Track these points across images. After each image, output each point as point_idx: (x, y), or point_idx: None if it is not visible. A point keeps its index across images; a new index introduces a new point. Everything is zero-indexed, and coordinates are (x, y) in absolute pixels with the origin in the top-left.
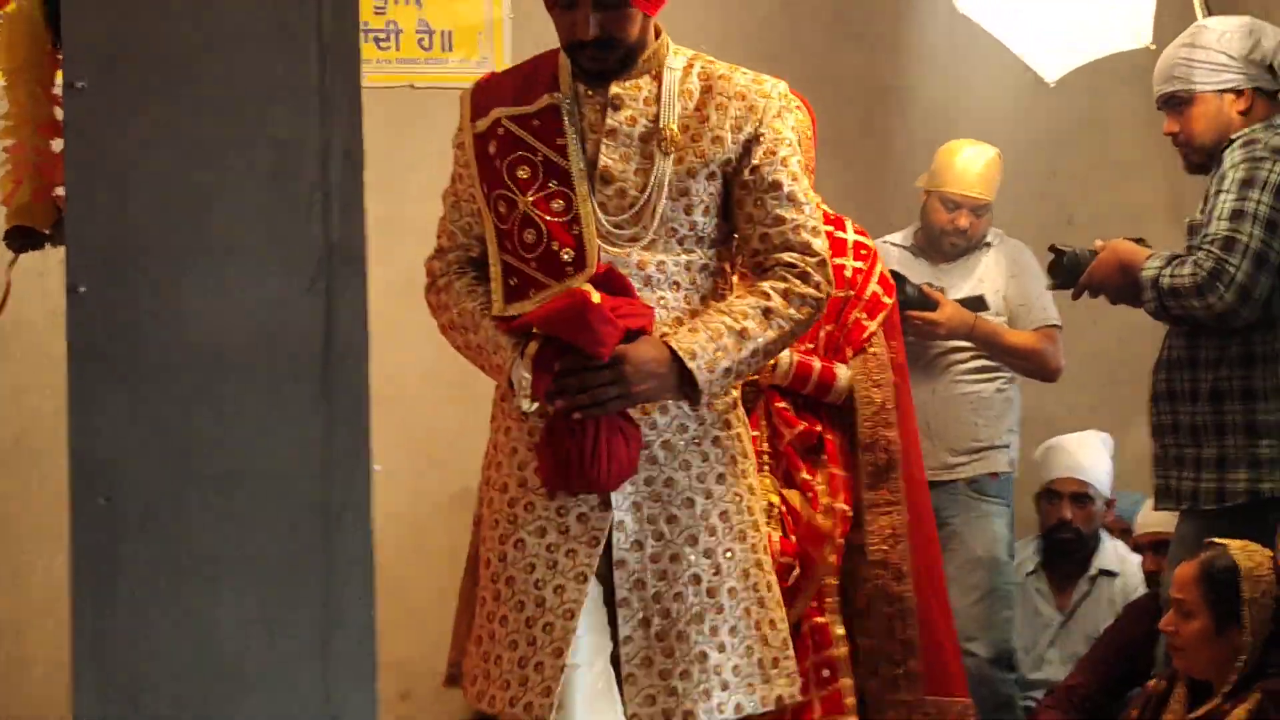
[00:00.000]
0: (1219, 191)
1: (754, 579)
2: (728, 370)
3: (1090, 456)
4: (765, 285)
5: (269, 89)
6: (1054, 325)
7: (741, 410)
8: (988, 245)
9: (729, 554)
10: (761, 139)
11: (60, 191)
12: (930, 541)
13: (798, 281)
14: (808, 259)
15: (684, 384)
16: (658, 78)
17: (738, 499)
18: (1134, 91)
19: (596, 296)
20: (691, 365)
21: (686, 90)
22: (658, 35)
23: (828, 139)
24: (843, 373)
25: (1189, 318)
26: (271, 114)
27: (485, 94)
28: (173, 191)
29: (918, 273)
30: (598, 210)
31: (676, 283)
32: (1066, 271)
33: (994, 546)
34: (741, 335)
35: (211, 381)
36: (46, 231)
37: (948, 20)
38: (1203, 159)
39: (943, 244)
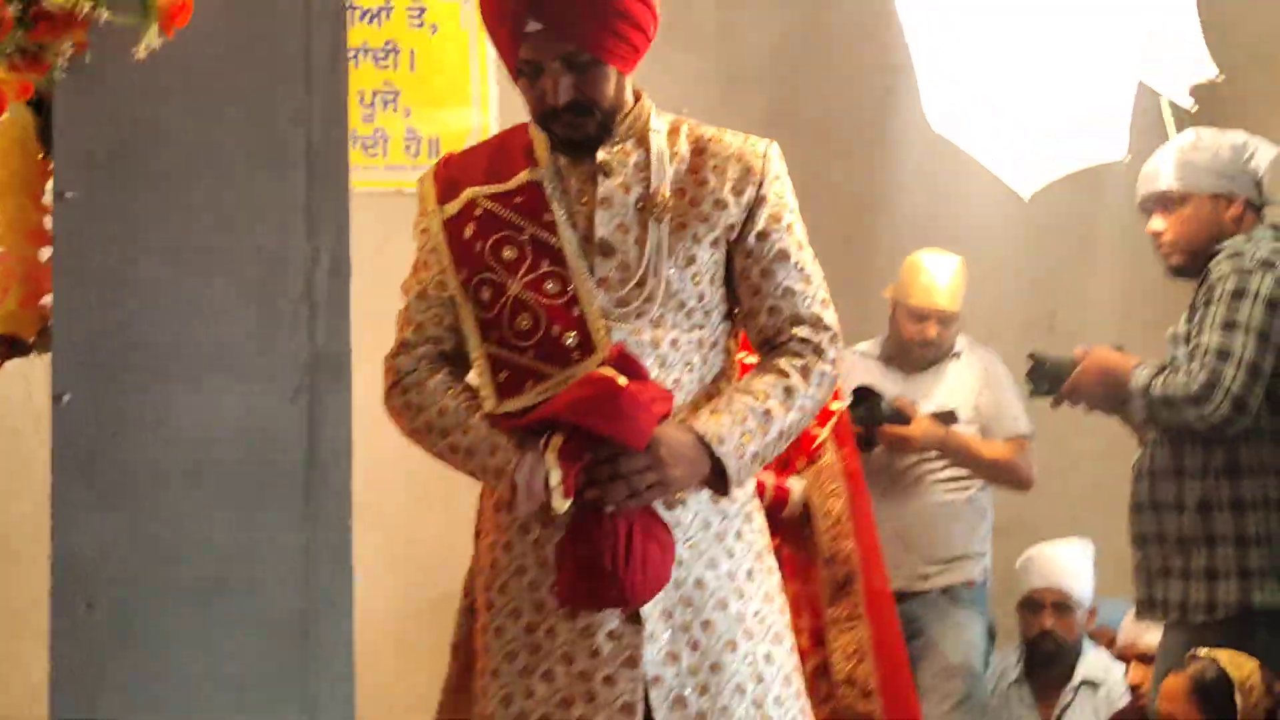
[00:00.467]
0: (1208, 303)
1: (795, 685)
2: (755, 455)
3: (1071, 565)
4: (782, 362)
5: (257, 202)
6: (1025, 435)
7: (758, 501)
8: (957, 354)
9: (769, 658)
10: (765, 202)
11: (47, 300)
12: (896, 654)
13: (814, 358)
14: (822, 333)
15: (712, 472)
16: (643, 142)
17: (769, 598)
18: (1114, 198)
19: (623, 380)
20: (720, 451)
21: (676, 153)
22: (638, 99)
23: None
24: (796, 487)
25: (1181, 427)
26: (259, 226)
27: (451, 175)
28: (159, 301)
29: (888, 382)
30: (598, 287)
31: (689, 362)
32: (1047, 379)
33: (969, 655)
34: (766, 417)
35: (195, 490)
36: (31, 340)
37: (929, 133)
38: (1188, 261)
39: (912, 354)
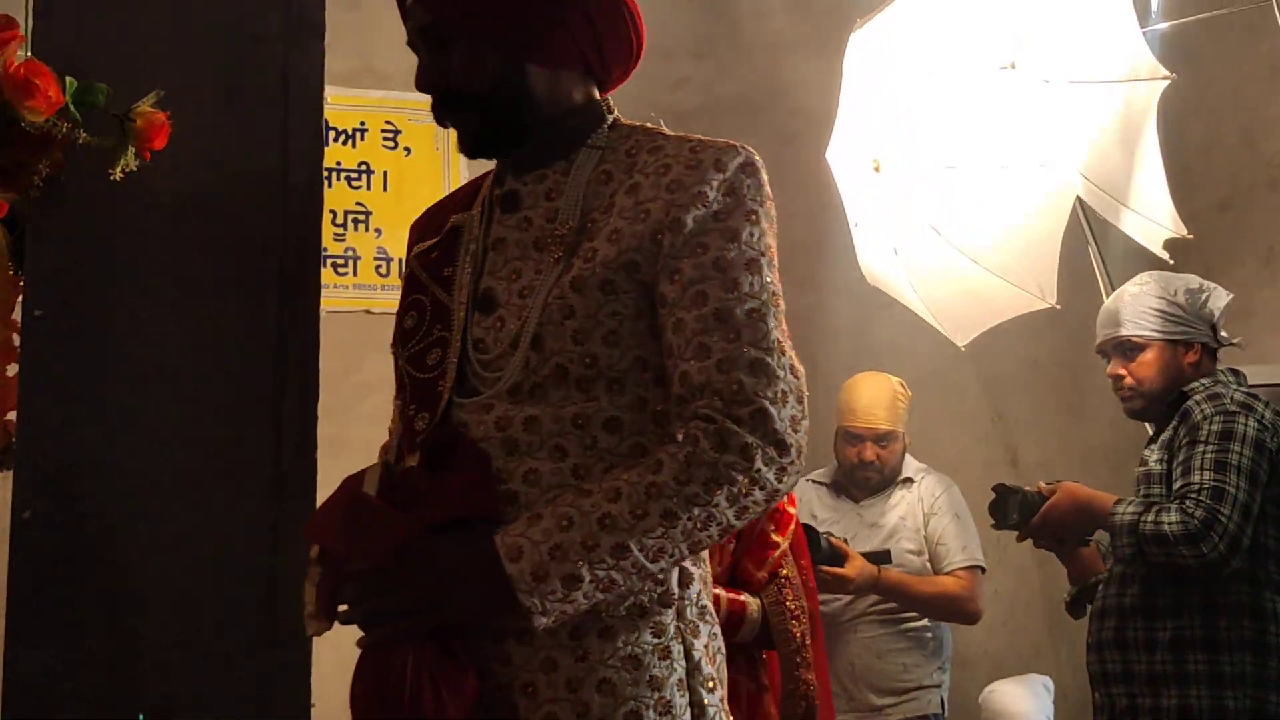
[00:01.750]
0: (1194, 443)
1: None
2: (572, 579)
3: (1030, 703)
4: (663, 451)
5: (227, 325)
6: (974, 566)
7: (683, 643)
8: (908, 480)
9: None
10: (679, 226)
11: (11, 417)
12: None
13: (708, 446)
14: (736, 409)
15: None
16: (571, 159)
17: None
18: (1073, 338)
19: (373, 485)
20: (511, 569)
21: (602, 173)
22: (590, 105)
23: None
24: (753, 605)
25: (1171, 565)
26: (227, 349)
27: (418, 227)
28: (124, 420)
29: (838, 509)
30: (471, 352)
31: (560, 446)
32: (1015, 511)
33: None
34: (602, 525)
35: (152, 613)
36: None
37: None
38: (1148, 404)
39: (855, 478)
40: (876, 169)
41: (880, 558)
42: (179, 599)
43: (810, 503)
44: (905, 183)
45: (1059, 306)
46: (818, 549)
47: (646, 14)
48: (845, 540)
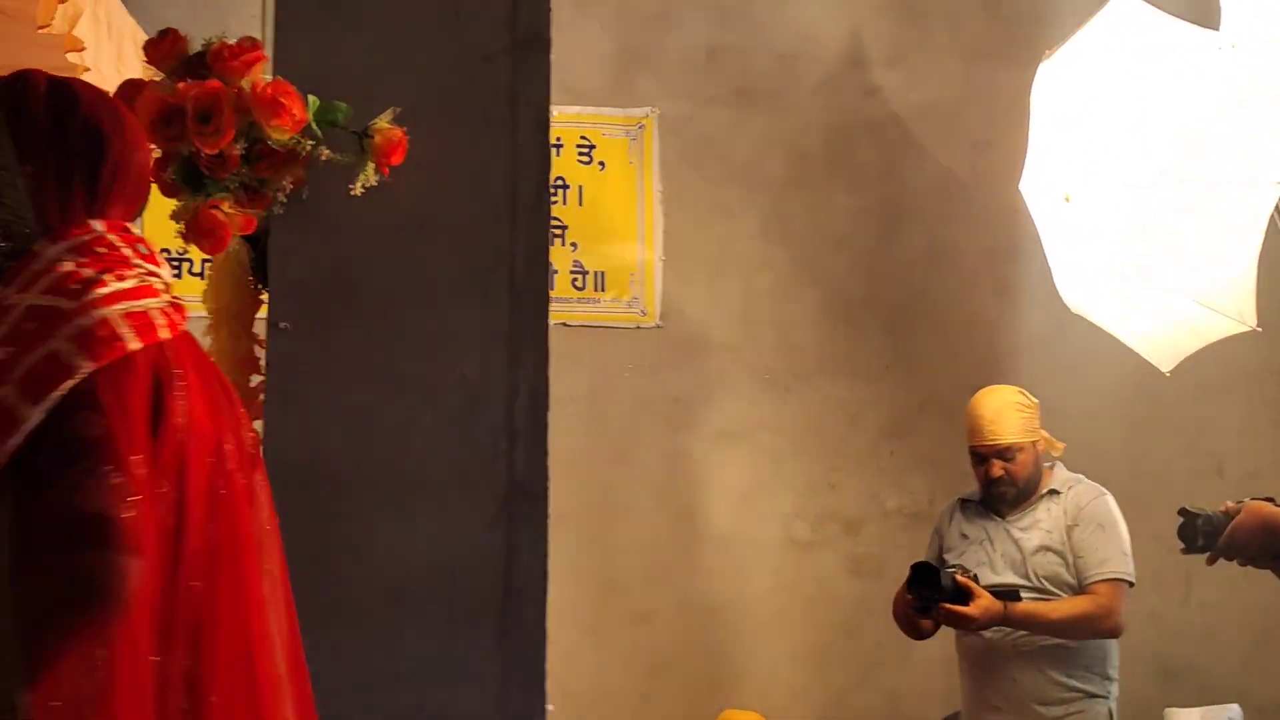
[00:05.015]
0: None
1: None
2: None
3: None
4: None
5: (461, 333)
6: (1114, 579)
7: None
8: (1054, 493)
9: None
10: None
11: (256, 426)
12: None
13: None
14: None
15: None
16: None
17: None
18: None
19: None
20: None
21: None
22: None
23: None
24: None
25: None
26: (463, 357)
27: None
28: (365, 428)
29: (986, 527)
30: None
31: None
32: (1200, 535)
33: None
34: None
35: (390, 616)
36: None
37: None
38: None
39: (993, 495)
40: (1067, 200)
41: (1009, 595)
42: (418, 603)
43: (959, 521)
44: (1098, 213)
45: (1259, 329)
46: (939, 587)
47: (838, 23)
48: (974, 576)
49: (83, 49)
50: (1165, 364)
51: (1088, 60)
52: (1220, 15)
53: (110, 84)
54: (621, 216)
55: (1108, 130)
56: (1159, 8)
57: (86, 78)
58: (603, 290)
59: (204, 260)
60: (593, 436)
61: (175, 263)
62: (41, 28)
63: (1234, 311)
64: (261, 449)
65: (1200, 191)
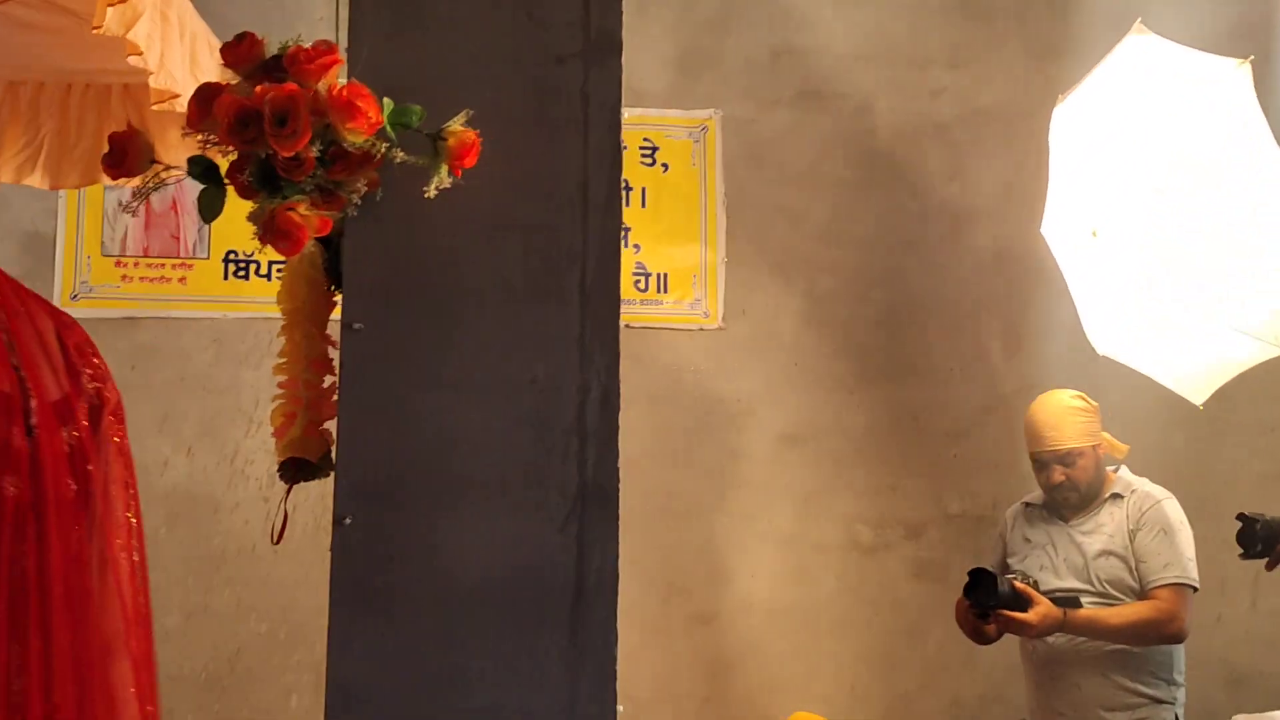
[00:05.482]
0: None
1: None
2: None
3: None
4: None
5: (533, 334)
6: (1176, 584)
7: None
8: (1117, 496)
9: None
10: None
11: (329, 426)
12: None
13: None
14: None
15: None
16: None
17: None
18: None
19: None
20: None
21: None
22: None
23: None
24: None
25: None
26: (534, 358)
27: None
28: (436, 430)
29: (1050, 531)
30: None
31: None
32: (1259, 540)
33: None
34: None
35: (464, 616)
36: (317, 462)
37: None
38: None
39: (1055, 500)
40: (1094, 235)
41: (1069, 601)
42: (491, 605)
43: (1023, 525)
44: (1123, 252)
45: None
46: (994, 593)
47: (901, 24)
48: (1033, 582)
49: (140, 53)
50: (1199, 397)
51: (1104, 99)
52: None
53: (183, 87)
54: (684, 218)
55: (1128, 167)
56: (1177, 39)
57: (153, 81)
58: (665, 292)
59: (271, 263)
60: (655, 439)
61: (243, 265)
62: (95, 29)
63: (1269, 334)
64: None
65: (1224, 216)
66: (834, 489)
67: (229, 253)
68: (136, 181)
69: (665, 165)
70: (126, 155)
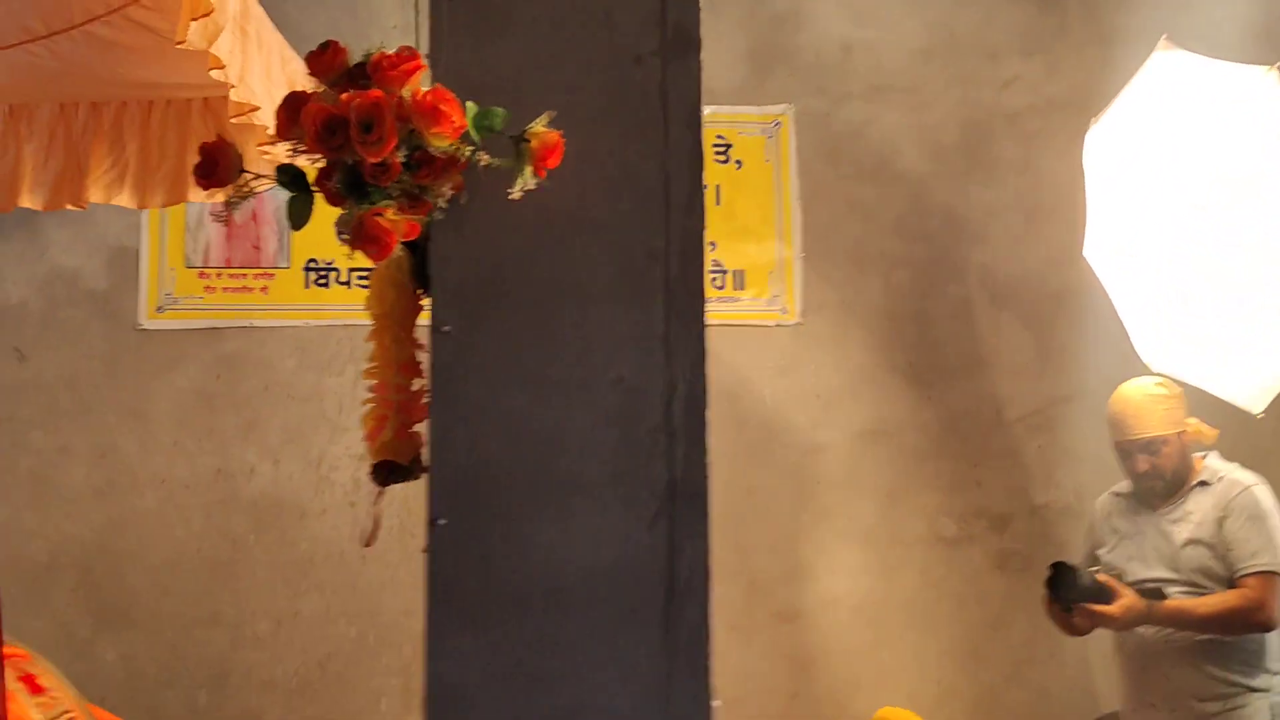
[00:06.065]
0: None
1: None
2: None
3: None
4: None
5: (617, 335)
6: (1266, 571)
7: None
8: (1204, 484)
9: None
10: None
11: (419, 429)
12: None
13: None
14: None
15: None
16: None
17: None
18: None
19: None
20: None
21: None
22: None
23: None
24: None
25: None
26: (619, 358)
27: None
28: (526, 430)
29: (1138, 521)
30: None
31: None
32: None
33: None
34: None
35: (558, 615)
36: (408, 464)
37: None
38: None
39: (1142, 489)
40: (1134, 257)
41: (1154, 593)
42: (583, 603)
43: (1112, 515)
44: (1164, 264)
45: None
46: (1075, 587)
47: (972, 14)
48: (1118, 574)
49: (222, 67)
50: (1256, 406)
51: (1136, 119)
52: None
53: (261, 99)
54: (759, 215)
55: (1165, 185)
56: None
57: (234, 95)
58: (742, 289)
59: (351, 270)
60: (734, 436)
61: (323, 273)
62: (179, 43)
63: None
64: None
65: (1262, 228)
66: (915, 483)
67: (309, 261)
68: (219, 195)
69: (739, 162)
70: (218, 166)
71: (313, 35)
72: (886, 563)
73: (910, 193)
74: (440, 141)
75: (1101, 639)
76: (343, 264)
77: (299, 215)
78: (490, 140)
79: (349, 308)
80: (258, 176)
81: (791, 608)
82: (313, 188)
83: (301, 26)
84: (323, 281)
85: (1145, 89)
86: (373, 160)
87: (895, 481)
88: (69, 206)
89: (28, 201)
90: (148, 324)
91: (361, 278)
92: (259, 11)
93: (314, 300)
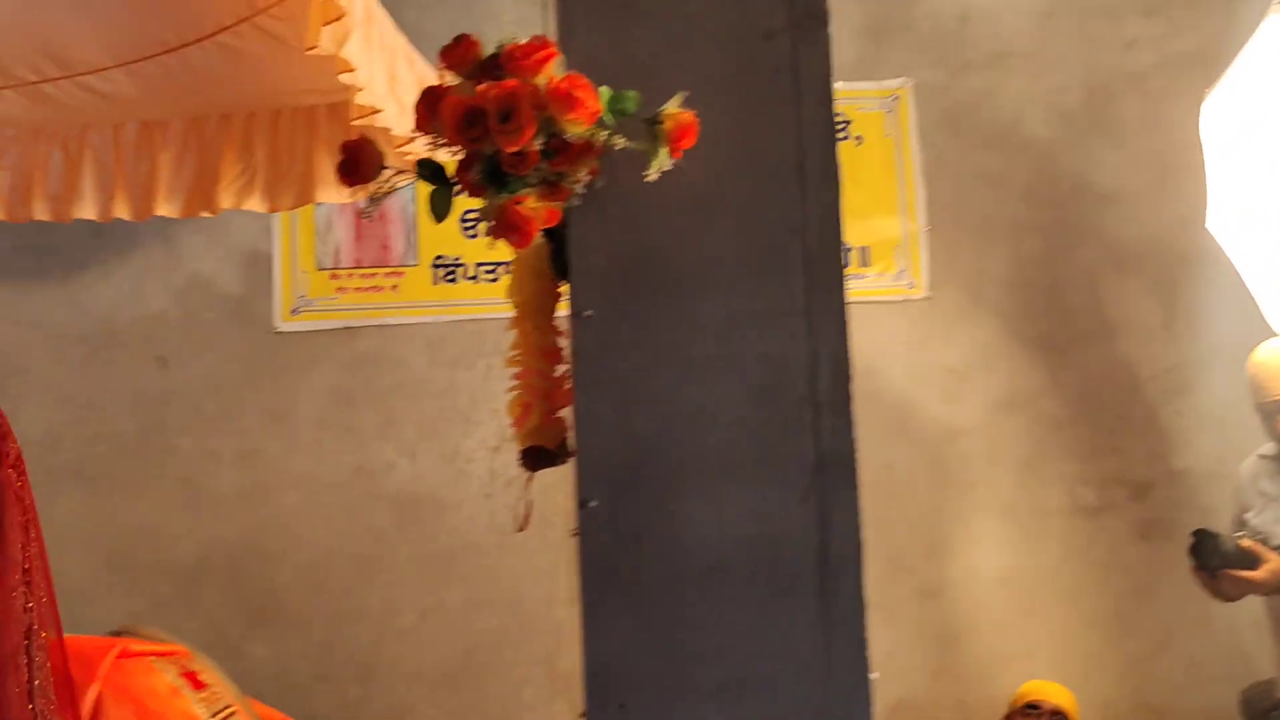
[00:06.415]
0: None
1: None
2: None
3: None
4: None
5: (759, 311)
6: None
7: None
8: None
9: None
10: None
11: (561, 413)
12: None
13: None
14: None
15: None
16: None
17: None
18: None
19: None
20: None
21: None
22: None
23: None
24: None
25: None
26: (762, 334)
27: None
28: (671, 409)
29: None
30: None
31: None
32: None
33: None
34: None
35: (711, 592)
36: (555, 449)
37: None
38: None
39: None
40: (1256, 219)
41: None
42: (737, 578)
43: (1259, 478)
44: None
45: None
46: (1217, 553)
47: None
48: (1263, 539)
49: (353, 70)
50: None
51: (1251, 86)
52: None
53: (385, 102)
54: (881, 190)
55: None
56: None
57: (360, 98)
58: (867, 265)
59: (478, 265)
60: (867, 413)
61: (450, 268)
62: (309, 49)
63: None
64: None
65: None
66: (1053, 452)
67: (436, 258)
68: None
69: (859, 138)
70: (359, 163)
71: (433, 34)
72: (1027, 534)
73: (1036, 160)
74: (576, 127)
75: (1253, 604)
76: (469, 259)
77: (440, 208)
78: (623, 123)
79: (476, 302)
80: (398, 172)
81: (933, 583)
82: (451, 180)
83: (423, 26)
84: (450, 277)
85: (1260, 53)
86: (511, 149)
87: (1032, 452)
88: (203, 213)
89: (163, 209)
90: (283, 326)
91: (488, 272)
92: (382, 14)
93: (442, 296)
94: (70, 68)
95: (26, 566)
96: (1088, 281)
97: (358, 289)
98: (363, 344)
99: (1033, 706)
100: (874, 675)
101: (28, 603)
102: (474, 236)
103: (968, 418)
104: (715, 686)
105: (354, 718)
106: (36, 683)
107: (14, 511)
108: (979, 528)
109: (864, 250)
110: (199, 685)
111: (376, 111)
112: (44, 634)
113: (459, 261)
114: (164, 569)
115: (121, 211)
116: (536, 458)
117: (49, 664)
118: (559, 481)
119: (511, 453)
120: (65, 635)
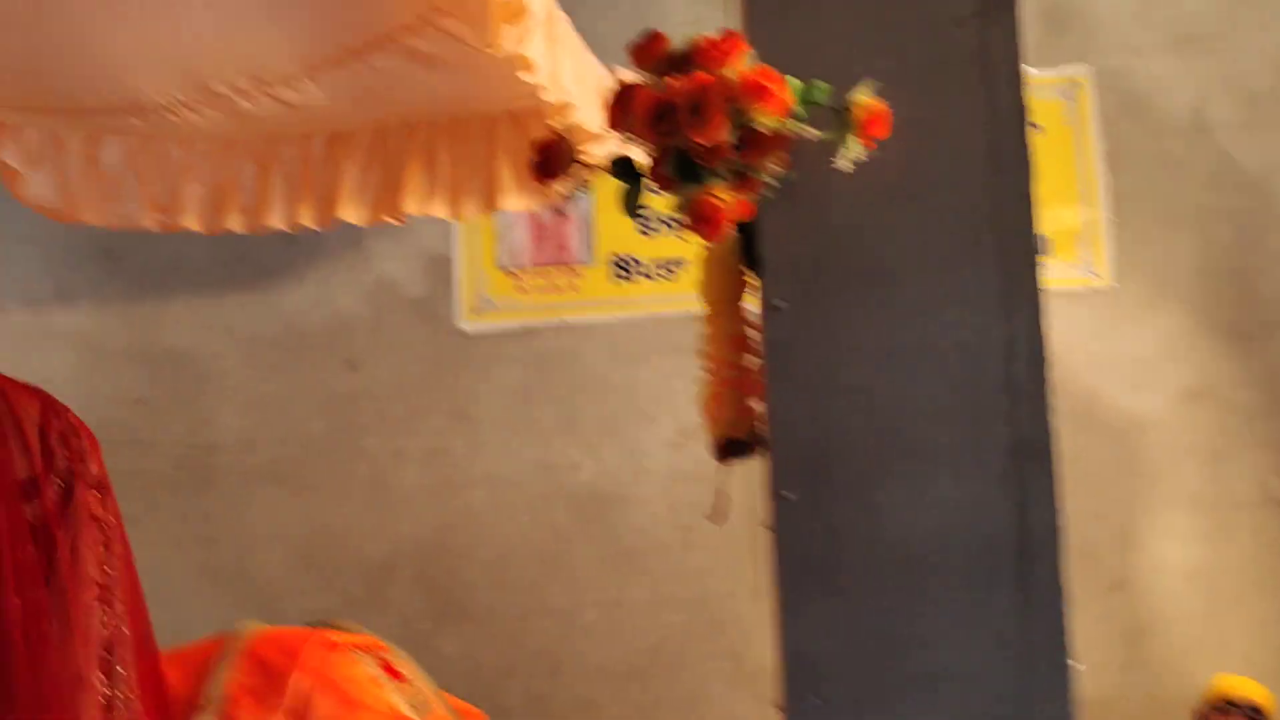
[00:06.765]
0: None
1: None
2: None
3: None
4: None
5: (953, 299)
6: None
7: None
8: None
9: None
10: None
11: (750, 404)
12: None
13: None
14: None
15: None
16: None
17: None
18: None
19: None
20: None
21: None
22: None
23: None
24: None
25: None
26: (957, 319)
27: None
28: (867, 400)
29: None
30: None
31: None
32: None
33: None
34: None
35: (910, 581)
36: (745, 440)
37: None
38: None
39: None
40: None
41: None
42: (935, 568)
43: None
44: None
45: None
46: None
47: None
48: None
49: (532, 69)
50: None
51: None
52: None
53: (571, 100)
54: (1062, 180)
55: None
56: None
57: (545, 95)
58: (1048, 255)
59: (654, 262)
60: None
61: (623, 265)
62: (488, 48)
63: None
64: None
65: None
66: (1244, 443)
67: (613, 257)
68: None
69: (1038, 126)
70: (553, 160)
71: (607, 36)
72: (1217, 527)
73: (1224, 144)
74: (767, 119)
75: None
76: (645, 257)
77: (632, 204)
78: (813, 114)
79: (654, 299)
80: (589, 167)
81: (1120, 576)
82: (642, 176)
83: (594, 27)
84: (626, 276)
85: None
86: (703, 142)
87: (1221, 443)
88: (388, 220)
89: (348, 216)
90: (466, 327)
91: (663, 270)
92: (562, 15)
93: (620, 294)
94: (262, 79)
95: (104, 584)
96: (1279, 269)
97: (537, 289)
98: (543, 343)
99: (1231, 703)
100: (1079, 666)
101: (105, 619)
102: (649, 234)
103: (1155, 408)
104: (914, 677)
105: (543, 711)
106: (119, 697)
107: (89, 531)
108: (1167, 519)
109: (1044, 240)
110: (397, 676)
111: (571, 107)
112: (126, 651)
113: (635, 259)
114: (354, 567)
115: (308, 220)
116: (729, 448)
117: (135, 678)
118: (743, 475)
119: (692, 450)
120: (267, 627)
